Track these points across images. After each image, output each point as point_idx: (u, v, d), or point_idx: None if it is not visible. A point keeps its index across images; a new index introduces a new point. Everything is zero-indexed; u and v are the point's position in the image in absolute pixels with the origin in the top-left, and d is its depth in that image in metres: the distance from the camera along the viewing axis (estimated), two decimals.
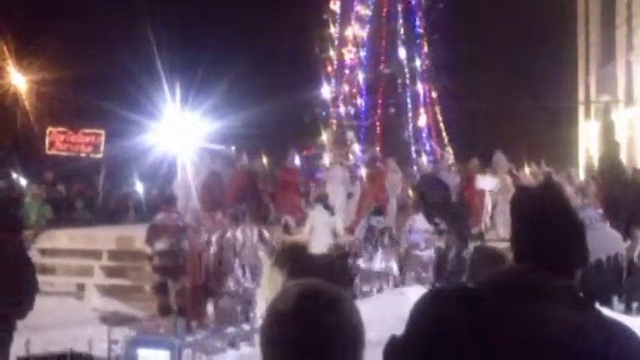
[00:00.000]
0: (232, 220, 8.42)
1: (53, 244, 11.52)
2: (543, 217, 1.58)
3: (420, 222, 9.35)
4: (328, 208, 9.77)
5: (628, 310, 5.51)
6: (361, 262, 8.70)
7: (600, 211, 8.68)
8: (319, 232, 9.60)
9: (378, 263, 8.68)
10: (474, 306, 1.29)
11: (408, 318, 1.34)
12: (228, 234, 8.20)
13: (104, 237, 11.62)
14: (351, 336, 1.26)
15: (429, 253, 9.12)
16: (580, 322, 1.28)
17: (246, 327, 5.20)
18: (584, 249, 1.62)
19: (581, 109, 21.96)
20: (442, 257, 9.10)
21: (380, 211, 9.45)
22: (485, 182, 11.48)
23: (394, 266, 8.79)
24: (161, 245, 9.25)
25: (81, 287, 10.54)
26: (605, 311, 4.96)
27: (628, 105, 18.47)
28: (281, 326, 1.24)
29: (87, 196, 17.44)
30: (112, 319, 8.12)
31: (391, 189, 12.00)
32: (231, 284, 7.93)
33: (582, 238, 1.66)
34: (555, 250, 1.55)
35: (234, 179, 12.46)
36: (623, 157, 13.49)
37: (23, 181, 14.89)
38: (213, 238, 8.28)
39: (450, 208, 9.64)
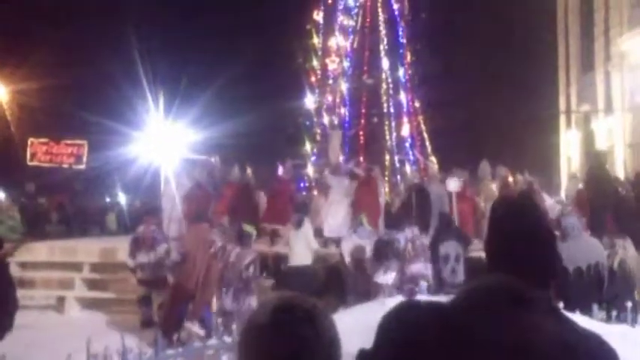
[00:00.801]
0: (238, 240, 8.21)
1: (33, 256, 11.37)
2: (519, 228, 1.59)
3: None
4: (299, 222, 9.69)
5: (608, 319, 5.53)
6: (380, 278, 8.40)
7: (583, 219, 8.75)
8: (293, 246, 9.58)
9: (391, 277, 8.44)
10: (445, 317, 1.27)
11: (377, 330, 1.32)
12: (229, 248, 8.03)
13: (85, 249, 11.49)
14: (327, 349, 1.27)
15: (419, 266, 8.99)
16: (564, 335, 1.26)
17: (227, 339, 5.14)
18: (557, 261, 1.63)
19: (562, 118, 22.24)
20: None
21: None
22: (449, 184, 11.53)
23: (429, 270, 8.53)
24: (142, 258, 9.27)
25: (61, 300, 10.40)
26: (586, 319, 4.94)
27: (607, 114, 18.74)
28: (258, 339, 1.25)
29: (63, 208, 17.22)
30: (92, 333, 8.00)
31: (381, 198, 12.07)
32: (229, 302, 7.71)
33: (554, 250, 1.67)
34: (530, 261, 1.56)
35: (226, 190, 12.38)
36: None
37: (1, 194, 14.62)
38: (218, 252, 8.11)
39: (442, 219, 9.59)
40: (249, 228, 8.38)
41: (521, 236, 1.56)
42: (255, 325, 1.27)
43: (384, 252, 8.43)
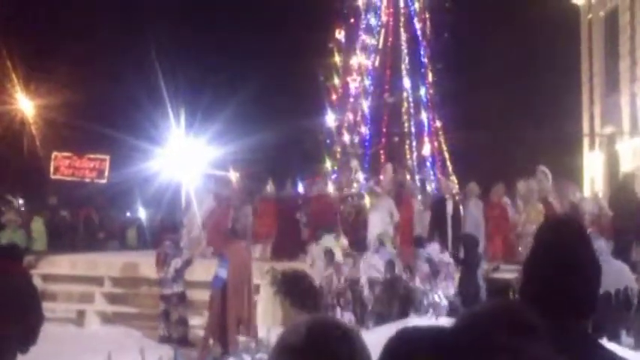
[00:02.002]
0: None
1: (54, 269, 11.45)
2: (568, 259, 1.53)
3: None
4: (319, 238, 9.62)
5: (637, 346, 5.39)
6: (431, 295, 8.35)
7: (610, 242, 8.60)
8: (316, 263, 9.48)
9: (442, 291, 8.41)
10: (442, 345, 1.23)
11: (383, 352, 1.29)
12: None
13: (106, 263, 11.56)
14: None
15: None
16: None
17: (247, 358, 5.10)
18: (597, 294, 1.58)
19: (585, 139, 21.98)
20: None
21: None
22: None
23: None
24: (160, 273, 9.35)
25: (81, 314, 10.43)
26: (614, 346, 4.82)
27: (633, 135, 18.48)
28: (294, 358, 1.21)
29: (91, 220, 17.38)
30: (112, 347, 8.00)
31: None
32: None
33: (599, 284, 1.62)
34: (574, 293, 1.51)
35: (266, 207, 12.33)
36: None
37: (20, 202, 14.78)
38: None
39: (464, 237, 9.52)
40: (331, 243, 8.58)
41: (569, 267, 1.51)
42: (289, 346, 1.23)
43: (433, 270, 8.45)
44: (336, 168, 19.89)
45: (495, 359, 1.16)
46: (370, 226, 11.31)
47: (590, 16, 21.94)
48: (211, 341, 7.82)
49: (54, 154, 24.63)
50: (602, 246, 6.60)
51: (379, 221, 11.28)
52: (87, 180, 24.79)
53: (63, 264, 11.61)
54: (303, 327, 1.25)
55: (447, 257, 8.78)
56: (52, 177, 24.18)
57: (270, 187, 12.92)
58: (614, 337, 5.48)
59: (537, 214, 11.29)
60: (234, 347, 7.66)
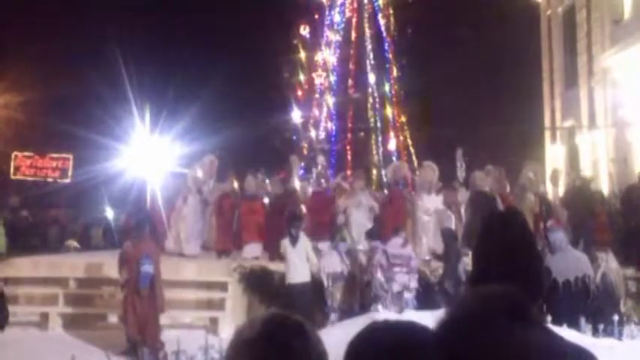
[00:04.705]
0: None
1: (16, 272, 11.18)
2: (518, 242, 1.59)
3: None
4: (294, 237, 9.44)
5: (595, 332, 5.57)
6: (382, 287, 8.37)
7: (567, 233, 8.83)
8: (291, 263, 9.34)
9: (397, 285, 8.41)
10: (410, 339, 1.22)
11: (346, 353, 1.28)
12: None
13: (70, 264, 11.34)
14: None
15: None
16: (556, 349, 1.25)
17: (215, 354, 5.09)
18: (546, 275, 1.64)
19: (547, 133, 22.46)
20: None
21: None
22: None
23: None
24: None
25: (45, 317, 10.23)
26: (574, 333, 4.96)
27: (591, 129, 18.96)
28: (248, 353, 1.24)
29: (58, 223, 17.02)
30: (76, 351, 7.89)
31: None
32: None
33: (543, 265, 1.68)
34: (525, 275, 1.56)
35: (251, 205, 11.96)
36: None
37: None
38: None
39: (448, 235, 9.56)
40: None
41: (520, 250, 1.57)
42: (244, 340, 1.26)
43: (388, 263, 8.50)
44: (303, 164, 19.91)
45: (492, 346, 1.16)
46: (353, 224, 11.27)
47: (549, 12, 22.42)
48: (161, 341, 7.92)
49: (14, 153, 24.10)
50: (561, 237, 6.78)
51: (361, 218, 11.31)
52: (50, 180, 24.31)
53: (24, 266, 11.35)
54: (259, 321, 1.28)
55: (408, 251, 8.85)
56: (13, 177, 23.65)
57: (250, 183, 12.52)
58: (574, 324, 5.63)
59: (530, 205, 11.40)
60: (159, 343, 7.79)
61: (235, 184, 12.99)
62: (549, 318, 5.52)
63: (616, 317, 5.75)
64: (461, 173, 12.59)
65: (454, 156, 13.15)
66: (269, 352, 1.23)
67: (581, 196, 11.41)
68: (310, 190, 12.94)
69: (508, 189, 12.37)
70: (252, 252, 11.54)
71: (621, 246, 10.31)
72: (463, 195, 11.93)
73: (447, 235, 9.26)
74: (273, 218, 11.37)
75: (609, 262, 7.67)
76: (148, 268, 8.05)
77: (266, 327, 1.26)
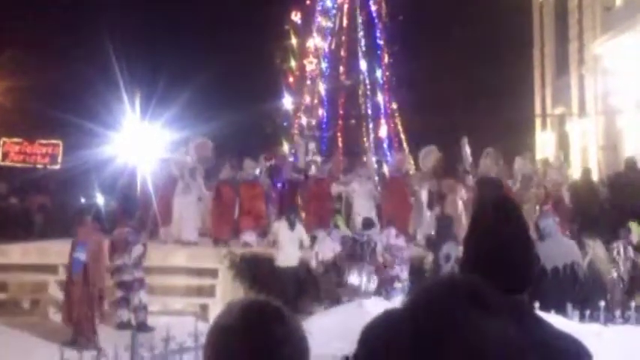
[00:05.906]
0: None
1: (4, 259, 11.12)
2: (511, 233, 1.59)
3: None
4: (292, 222, 9.53)
5: (582, 318, 5.62)
6: (349, 279, 8.36)
7: (557, 219, 8.88)
8: (284, 246, 9.41)
9: (364, 279, 8.41)
10: (416, 323, 1.22)
11: (359, 338, 1.31)
12: None
13: (60, 251, 11.28)
14: (298, 348, 1.26)
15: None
16: (520, 341, 1.24)
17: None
18: (536, 265, 1.65)
19: (538, 120, 22.53)
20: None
21: (371, 224, 9.34)
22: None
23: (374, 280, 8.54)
24: (118, 260, 9.21)
25: (35, 303, 10.21)
26: (561, 319, 4.98)
27: (581, 116, 19.03)
28: (227, 340, 1.23)
29: (46, 209, 16.88)
30: (67, 337, 7.89)
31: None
32: None
33: (535, 256, 1.68)
34: (514, 265, 1.57)
35: (251, 189, 11.98)
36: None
37: None
38: None
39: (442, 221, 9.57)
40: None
41: (512, 241, 1.57)
42: (223, 327, 1.25)
43: (360, 253, 8.43)
44: (293, 151, 19.89)
45: (452, 335, 1.15)
46: (354, 213, 11.32)
47: None
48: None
49: (2, 140, 23.91)
50: (550, 224, 6.80)
51: (362, 207, 11.35)
52: (39, 166, 24.15)
53: (14, 253, 11.29)
54: (238, 308, 1.27)
55: (401, 242, 8.90)
56: (2, 163, 23.48)
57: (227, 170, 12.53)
58: (561, 310, 5.68)
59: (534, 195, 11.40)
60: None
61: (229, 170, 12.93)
62: (537, 304, 5.58)
63: (602, 303, 5.80)
64: (466, 161, 12.59)
65: (446, 143, 13.17)
66: (247, 339, 1.22)
67: (586, 186, 11.48)
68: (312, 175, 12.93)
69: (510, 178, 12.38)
70: (248, 239, 11.58)
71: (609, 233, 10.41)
72: (469, 182, 11.93)
73: (442, 223, 9.30)
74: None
75: (596, 249, 7.74)
76: (80, 255, 8.29)
77: (244, 313, 1.25)
